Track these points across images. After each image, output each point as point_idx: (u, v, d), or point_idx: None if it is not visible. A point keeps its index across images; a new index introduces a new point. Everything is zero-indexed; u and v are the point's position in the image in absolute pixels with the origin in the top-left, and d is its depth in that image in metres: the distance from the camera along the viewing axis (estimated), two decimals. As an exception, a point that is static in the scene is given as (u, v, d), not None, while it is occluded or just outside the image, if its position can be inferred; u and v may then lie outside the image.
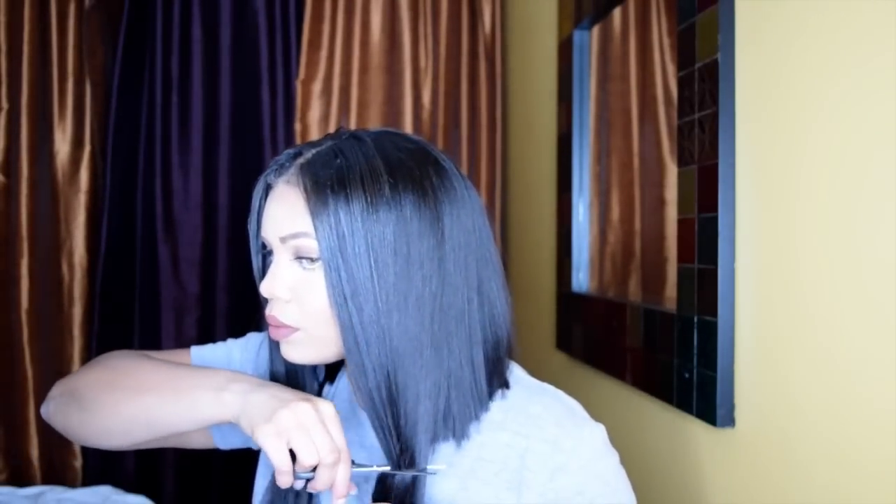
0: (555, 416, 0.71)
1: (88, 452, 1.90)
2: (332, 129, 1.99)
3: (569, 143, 1.45)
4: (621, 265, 1.30)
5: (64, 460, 1.91)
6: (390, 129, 0.75)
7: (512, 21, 2.03)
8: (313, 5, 1.96)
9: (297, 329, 0.69)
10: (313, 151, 0.71)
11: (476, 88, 2.04)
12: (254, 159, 1.99)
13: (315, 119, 1.98)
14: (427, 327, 0.66)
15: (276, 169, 0.72)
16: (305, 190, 0.67)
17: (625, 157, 1.28)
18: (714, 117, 0.89)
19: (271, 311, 0.70)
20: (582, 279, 1.42)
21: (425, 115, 2.01)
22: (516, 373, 0.76)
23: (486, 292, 0.72)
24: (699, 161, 0.92)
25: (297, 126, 1.96)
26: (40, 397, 1.88)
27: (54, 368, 1.91)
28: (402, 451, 0.67)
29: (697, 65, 0.93)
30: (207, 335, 1.96)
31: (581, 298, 1.39)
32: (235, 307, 1.97)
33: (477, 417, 0.71)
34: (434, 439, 0.69)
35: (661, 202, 1.13)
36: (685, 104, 0.96)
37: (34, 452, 1.87)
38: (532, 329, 1.72)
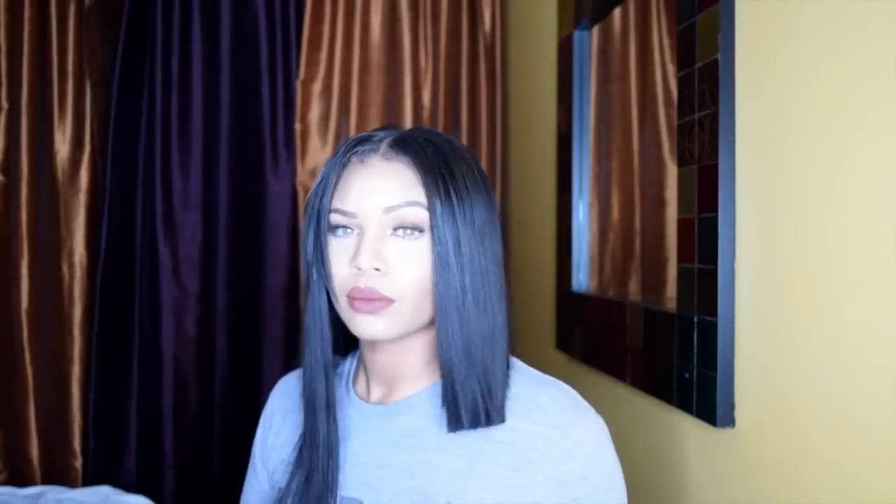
0: (561, 405, 0.75)
1: (88, 452, 1.90)
2: (332, 129, 1.99)
3: (569, 143, 1.45)
4: (621, 265, 1.30)
5: (64, 460, 1.91)
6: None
7: (512, 21, 2.03)
8: (313, 5, 1.97)
9: (392, 301, 0.72)
10: (398, 134, 0.77)
11: (476, 88, 2.04)
12: (254, 159, 1.99)
13: (315, 119, 1.98)
14: (496, 298, 0.74)
15: (366, 150, 0.76)
16: (414, 164, 0.73)
17: (625, 157, 1.28)
18: (714, 117, 0.89)
19: (367, 284, 0.71)
20: (582, 279, 1.42)
21: (425, 115, 2.01)
22: (519, 365, 0.80)
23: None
24: (699, 161, 0.92)
25: (297, 126, 1.96)
26: (40, 397, 1.88)
27: (54, 368, 1.91)
28: (488, 406, 0.72)
29: (697, 65, 0.93)
30: (207, 335, 1.96)
31: (581, 298, 1.39)
32: (235, 307, 1.97)
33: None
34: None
35: (661, 202, 1.13)
36: (685, 104, 0.96)
37: (34, 452, 1.87)
38: (532, 329, 1.72)
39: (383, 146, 0.75)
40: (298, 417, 0.87)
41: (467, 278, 0.71)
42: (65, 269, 1.93)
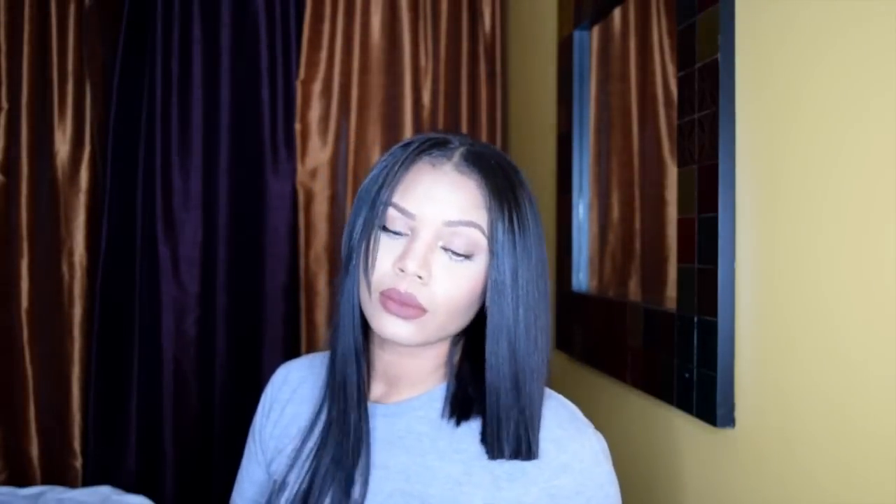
0: (559, 420, 0.74)
1: (88, 452, 1.90)
2: (332, 129, 1.99)
3: (569, 143, 1.45)
4: (621, 265, 1.30)
5: (64, 460, 1.91)
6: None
7: (512, 21, 2.03)
8: (313, 5, 1.96)
9: (425, 311, 0.71)
10: (470, 146, 0.76)
11: (476, 88, 2.04)
12: (254, 159, 1.99)
13: (315, 119, 1.98)
14: (543, 334, 0.74)
15: (441, 154, 0.74)
16: (484, 185, 0.72)
17: (625, 157, 1.28)
18: (714, 117, 0.89)
19: (407, 289, 0.71)
20: (582, 279, 1.42)
21: (425, 115, 2.01)
22: None
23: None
24: (699, 161, 0.92)
25: (297, 126, 1.96)
26: (40, 397, 1.88)
27: (54, 368, 1.91)
28: (530, 438, 0.71)
29: (697, 65, 0.93)
30: (207, 335, 1.96)
31: (581, 298, 1.39)
32: (235, 307, 1.97)
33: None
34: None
35: (661, 202, 1.13)
36: (685, 104, 0.96)
37: (34, 452, 1.87)
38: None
39: (457, 155, 0.74)
40: (297, 408, 0.86)
41: (521, 310, 0.71)
42: (65, 269, 1.93)
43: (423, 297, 0.71)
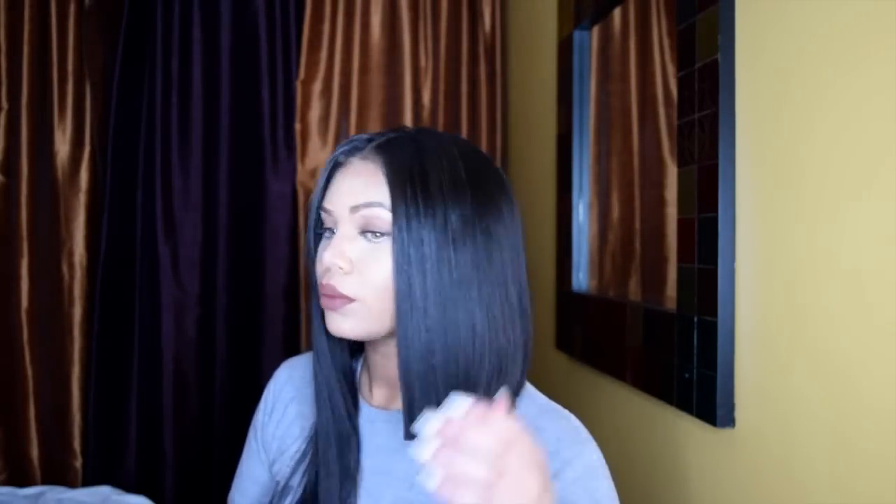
0: (556, 432, 0.73)
1: (88, 452, 1.90)
2: (332, 129, 1.99)
3: (569, 143, 1.45)
4: (621, 265, 1.30)
5: (64, 460, 1.91)
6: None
7: (512, 21, 2.03)
8: (313, 5, 1.96)
9: (353, 300, 0.71)
10: (388, 136, 0.75)
11: (476, 88, 2.04)
12: (254, 159, 1.99)
13: (315, 119, 1.98)
14: (479, 306, 0.70)
15: (351, 149, 0.76)
16: (385, 164, 0.71)
17: (625, 157, 1.28)
18: (714, 117, 0.89)
19: (329, 281, 0.72)
20: (582, 279, 1.42)
21: (425, 115, 2.01)
22: (531, 391, 0.79)
23: (520, 295, 0.76)
24: (699, 161, 0.92)
25: (297, 126, 1.96)
26: (40, 397, 1.88)
27: (54, 368, 1.91)
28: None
29: (697, 65, 0.93)
30: (207, 335, 1.96)
31: (581, 298, 1.39)
32: (235, 307, 1.97)
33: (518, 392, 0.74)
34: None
35: (661, 202, 1.13)
36: (685, 104, 0.96)
37: (34, 452, 1.87)
38: (532, 329, 1.72)
39: (369, 147, 0.74)
40: (300, 407, 0.86)
41: (430, 282, 0.68)
42: (65, 269, 1.93)
43: (347, 286, 0.71)
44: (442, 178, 0.70)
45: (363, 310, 0.71)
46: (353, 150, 0.75)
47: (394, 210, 0.69)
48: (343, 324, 0.72)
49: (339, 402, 0.78)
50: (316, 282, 0.76)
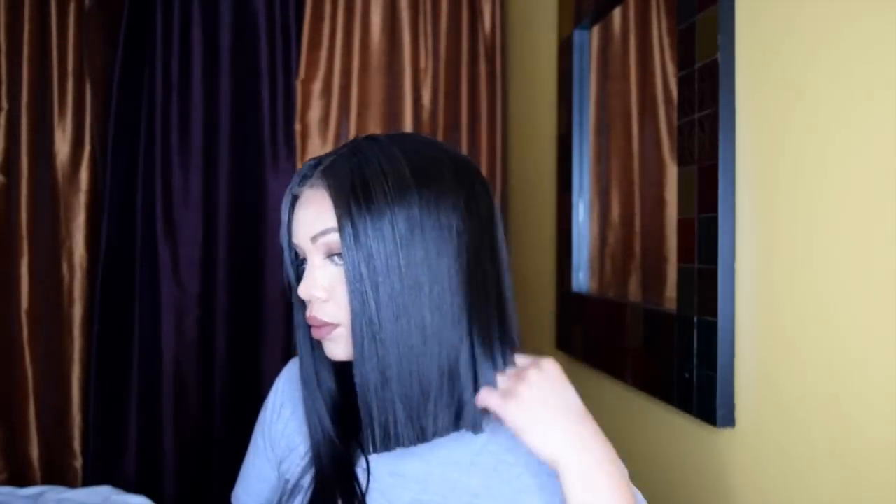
0: None
1: (88, 452, 1.90)
2: (332, 129, 1.99)
3: (569, 143, 1.45)
4: (621, 265, 1.29)
5: (64, 460, 1.91)
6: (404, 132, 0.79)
7: (512, 21, 2.03)
8: (313, 5, 1.96)
9: (336, 325, 0.72)
10: (333, 157, 0.74)
11: (476, 88, 2.04)
12: (254, 159, 1.99)
13: (315, 119, 1.98)
14: (430, 307, 0.69)
15: (300, 179, 0.75)
16: (328, 188, 0.70)
17: (625, 157, 1.28)
18: (714, 117, 0.89)
19: (311, 312, 0.73)
20: (582, 279, 1.41)
21: (425, 115, 2.01)
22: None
23: (496, 291, 0.74)
24: (699, 161, 0.92)
25: (297, 126, 1.96)
26: (40, 397, 1.88)
27: (54, 368, 1.91)
28: (414, 424, 0.69)
29: (697, 65, 0.93)
30: (207, 335, 1.96)
31: (581, 298, 1.39)
32: (235, 307, 1.97)
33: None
34: (451, 424, 0.71)
35: (661, 202, 1.13)
36: (685, 104, 0.96)
37: (34, 452, 1.87)
38: (532, 329, 1.72)
39: (315, 173, 0.74)
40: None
41: (383, 294, 0.68)
42: (65, 269, 1.93)
43: (327, 313, 0.72)
44: (385, 184, 0.69)
45: (347, 332, 0.72)
46: (304, 180, 0.75)
47: (340, 231, 0.69)
48: (335, 349, 0.73)
49: (329, 428, 0.78)
50: (298, 318, 0.78)
